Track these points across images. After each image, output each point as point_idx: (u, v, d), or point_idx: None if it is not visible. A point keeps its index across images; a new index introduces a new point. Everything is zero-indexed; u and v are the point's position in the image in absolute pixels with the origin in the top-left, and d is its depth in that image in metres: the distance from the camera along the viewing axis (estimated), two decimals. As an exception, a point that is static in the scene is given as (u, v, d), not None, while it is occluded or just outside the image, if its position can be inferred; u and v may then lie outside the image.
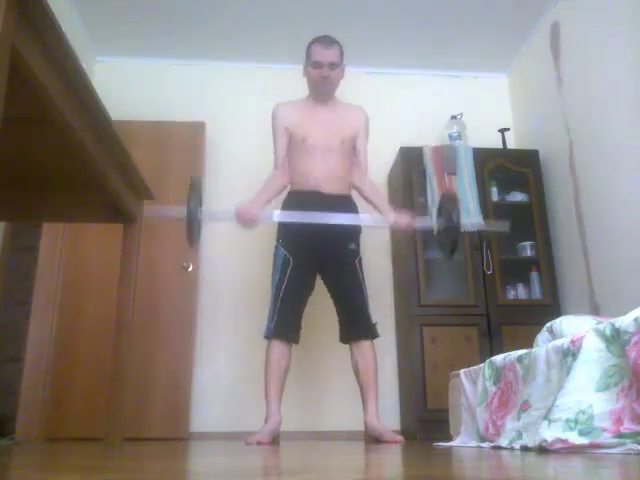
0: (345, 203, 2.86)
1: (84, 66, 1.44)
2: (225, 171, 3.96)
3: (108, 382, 2.02)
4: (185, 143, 3.81)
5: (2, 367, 4.08)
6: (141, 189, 2.15)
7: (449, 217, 2.62)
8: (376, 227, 2.88)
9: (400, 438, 2.60)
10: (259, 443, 2.48)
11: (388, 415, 3.54)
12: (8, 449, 2.38)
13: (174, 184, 3.74)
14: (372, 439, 2.68)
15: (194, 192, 2.56)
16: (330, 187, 2.80)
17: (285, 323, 2.72)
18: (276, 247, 2.83)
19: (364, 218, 2.86)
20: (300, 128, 2.85)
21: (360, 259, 2.84)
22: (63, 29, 1.24)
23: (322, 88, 2.84)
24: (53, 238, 3.49)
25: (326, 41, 2.79)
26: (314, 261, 2.79)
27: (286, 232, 2.82)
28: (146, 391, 3.37)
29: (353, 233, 2.86)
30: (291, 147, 2.88)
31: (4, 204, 2.07)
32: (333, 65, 2.78)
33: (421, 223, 2.84)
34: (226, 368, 3.60)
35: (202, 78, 4.18)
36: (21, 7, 1.09)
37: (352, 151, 2.91)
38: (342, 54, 2.84)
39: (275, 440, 2.64)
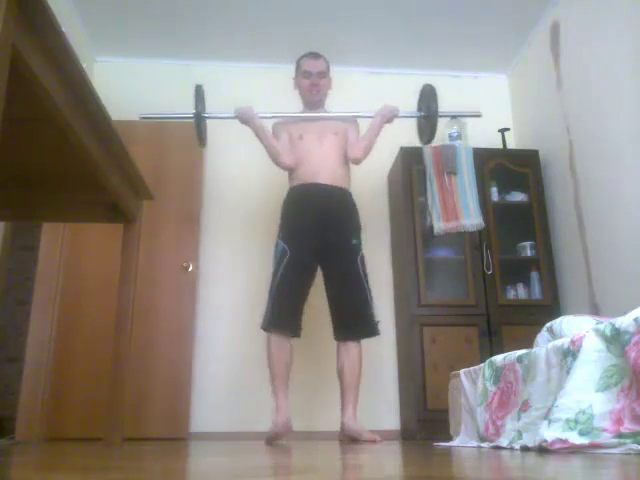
0: (343, 195, 2.94)
1: (84, 66, 1.44)
2: (225, 171, 3.96)
3: (108, 382, 2.02)
4: (185, 143, 3.80)
5: (2, 367, 4.09)
6: (141, 189, 2.15)
7: (428, 108, 2.96)
8: (364, 117, 3.10)
9: (378, 437, 2.64)
10: (276, 435, 2.58)
11: (388, 415, 3.55)
12: (8, 449, 2.38)
13: (174, 184, 3.75)
14: (348, 439, 2.70)
15: (199, 98, 2.95)
16: (327, 178, 2.90)
17: (281, 315, 2.75)
18: (276, 242, 2.89)
19: (353, 113, 3.12)
20: (297, 128, 3.03)
21: (362, 257, 2.88)
22: (63, 29, 1.24)
23: (313, 96, 3.05)
24: (53, 238, 3.48)
25: (314, 54, 3.07)
26: (313, 253, 2.83)
27: (287, 226, 2.90)
28: (146, 391, 3.37)
29: (355, 228, 2.93)
30: (290, 146, 3.01)
31: (4, 204, 2.07)
32: (321, 74, 3.04)
33: (404, 113, 3.13)
34: (226, 368, 3.59)
35: (202, 78, 4.16)
36: (21, 7, 1.09)
37: (345, 146, 3.01)
38: (328, 66, 3.08)
39: (288, 428, 2.64)
